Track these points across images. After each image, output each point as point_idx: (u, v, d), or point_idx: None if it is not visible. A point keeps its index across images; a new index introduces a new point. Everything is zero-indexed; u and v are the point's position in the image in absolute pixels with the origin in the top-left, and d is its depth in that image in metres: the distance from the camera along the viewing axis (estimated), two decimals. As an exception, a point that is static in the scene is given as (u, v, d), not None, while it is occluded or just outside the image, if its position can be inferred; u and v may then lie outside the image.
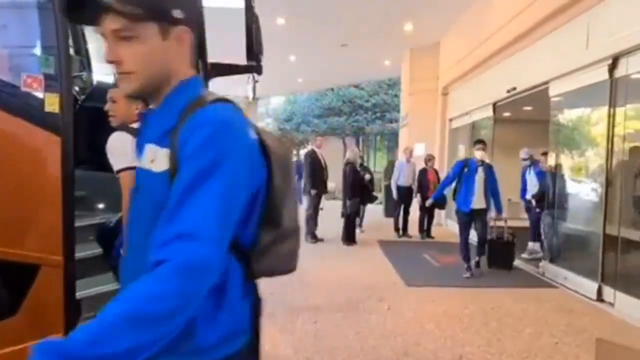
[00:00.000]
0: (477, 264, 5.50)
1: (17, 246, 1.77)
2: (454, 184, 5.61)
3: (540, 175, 6.29)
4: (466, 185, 5.35)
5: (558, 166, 5.69)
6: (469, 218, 5.40)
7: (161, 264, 0.73)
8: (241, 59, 2.91)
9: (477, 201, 5.29)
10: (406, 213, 8.10)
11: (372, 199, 8.38)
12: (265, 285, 3.85)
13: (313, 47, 11.01)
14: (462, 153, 9.39)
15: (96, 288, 2.38)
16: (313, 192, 7.48)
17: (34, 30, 1.83)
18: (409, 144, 10.56)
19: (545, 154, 6.23)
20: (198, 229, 0.75)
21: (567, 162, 5.65)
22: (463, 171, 5.44)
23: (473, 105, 8.27)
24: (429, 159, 8.08)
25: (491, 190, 5.35)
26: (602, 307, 4.34)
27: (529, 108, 8.01)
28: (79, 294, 2.19)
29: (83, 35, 3.56)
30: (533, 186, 6.42)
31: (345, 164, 7.45)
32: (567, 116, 5.64)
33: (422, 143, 9.97)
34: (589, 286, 4.61)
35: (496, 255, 5.69)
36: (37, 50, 1.84)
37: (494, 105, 7.35)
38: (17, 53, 1.82)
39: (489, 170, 5.37)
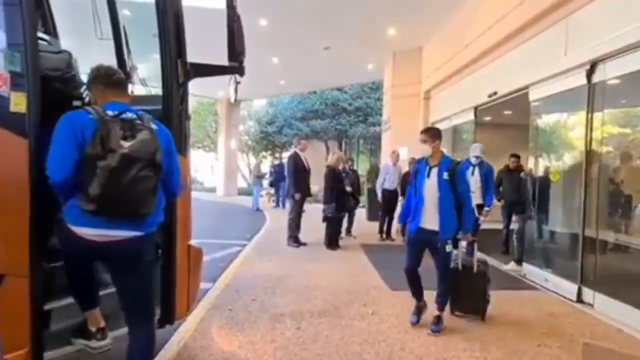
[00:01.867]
0: (440, 307, 3.75)
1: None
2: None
3: (489, 176, 5.89)
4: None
5: (533, 170, 5.79)
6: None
7: None
8: (223, 60, 2.85)
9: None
10: (391, 217, 8.10)
11: (354, 204, 8.17)
12: (247, 291, 3.77)
13: (296, 49, 10.98)
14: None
15: (65, 299, 2.24)
16: (297, 195, 7.40)
17: (-1, 25, 1.71)
18: (391, 147, 10.62)
19: (514, 155, 6.39)
20: None
21: (545, 165, 5.74)
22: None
23: (455, 109, 8.36)
24: (413, 162, 8.12)
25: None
26: (582, 309, 4.40)
27: (509, 112, 8.13)
28: (48, 306, 2.08)
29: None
30: (476, 187, 5.63)
31: (326, 167, 7.41)
32: (546, 120, 5.74)
33: (405, 147, 10.01)
34: (569, 288, 4.68)
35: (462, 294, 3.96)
36: (1, 46, 1.72)
37: (476, 109, 7.44)
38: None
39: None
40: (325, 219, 7.31)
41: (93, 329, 2.26)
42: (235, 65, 2.82)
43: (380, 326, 3.79)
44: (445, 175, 3.52)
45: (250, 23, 8.34)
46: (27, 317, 1.81)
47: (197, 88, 14.34)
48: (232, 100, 3.16)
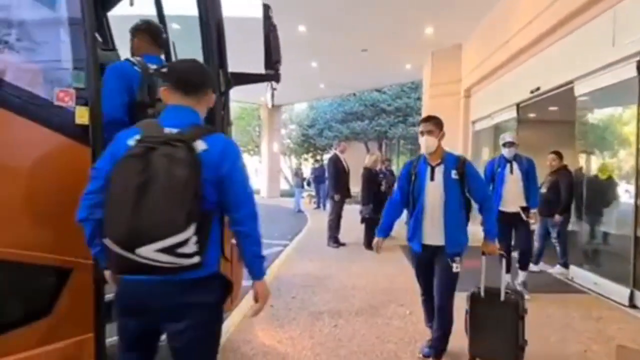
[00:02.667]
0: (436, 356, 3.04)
1: (51, 251, 1.88)
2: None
3: (530, 171, 4.67)
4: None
5: (583, 168, 5.53)
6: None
7: None
8: (253, 65, 3.03)
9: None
10: None
11: None
12: (288, 289, 3.95)
13: (334, 53, 11.11)
14: (486, 156, 9.23)
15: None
16: (336, 197, 7.50)
17: (65, 45, 1.95)
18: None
19: (555, 152, 5.73)
20: None
21: (594, 163, 5.48)
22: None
23: (496, 107, 8.14)
24: None
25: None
26: (634, 313, 4.18)
27: (554, 108, 7.81)
28: (108, 297, 2.31)
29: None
30: (516, 188, 4.61)
31: (363, 168, 7.45)
32: (594, 116, 5.48)
33: (445, 147, 9.85)
34: (620, 291, 4.45)
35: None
36: (68, 65, 1.95)
37: (518, 106, 7.21)
38: (49, 67, 1.93)
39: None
40: (363, 220, 7.34)
41: None
42: (271, 72, 2.99)
43: (417, 326, 3.81)
44: (454, 174, 2.82)
45: (290, 30, 8.73)
46: (91, 307, 2.03)
47: (241, 94, 14.85)
48: (269, 105, 3.32)
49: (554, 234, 5.74)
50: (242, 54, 4.32)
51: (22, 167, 1.81)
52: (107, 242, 1.42)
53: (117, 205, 1.40)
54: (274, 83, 3.04)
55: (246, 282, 4.28)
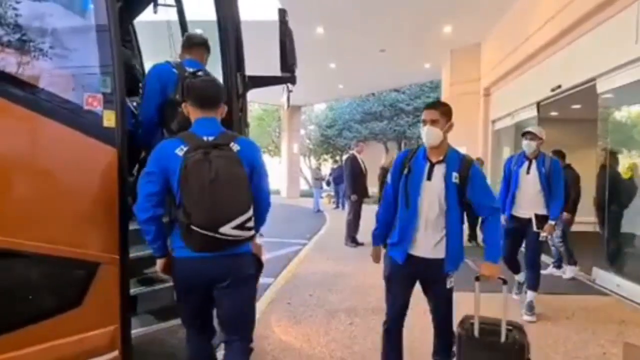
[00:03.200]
0: None
1: (81, 246, 2.01)
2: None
3: (556, 175, 3.99)
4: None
5: (606, 166, 5.41)
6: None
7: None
8: (267, 66, 3.12)
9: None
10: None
11: None
12: (305, 287, 4.03)
13: (352, 54, 11.15)
14: (506, 155, 9.11)
15: (149, 287, 2.62)
16: (353, 197, 7.56)
17: (93, 52, 2.08)
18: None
19: (555, 151, 5.20)
20: None
21: (618, 162, 5.36)
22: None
23: (516, 105, 8.02)
24: (480, 163, 7.88)
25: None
26: (658, 317, 4.09)
27: (577, 106, 7.64)
28: (133, 291, 2.44)
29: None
30: (534, 192, 3.99)
31: (380, 168, 7.47)
32: (617, 113, 5.36)
33: (464, 146, 9.76)
34: (644, 294, 4.36)
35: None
36: (96, 71, 2.08)
37: (538, 104, 7.10)
38: (78, 74, 2.07)
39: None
40: None
41: None
42: (287, 75, 3.08)
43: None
44: (455, 177, 2.30)
45: (308, 32, 8.84)
46: (117, 299, 2.16)
47: (261, 95, 15.03)
48: (285, 107, 3.41)
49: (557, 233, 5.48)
50: (257, 56, 4.45)
51: (55, 168, 1.95)
52: (194, 228, 1.83)
53: (200, 198, 1.81)
54: (289, 85, 3.12)
55: (262, 279, 4.39)
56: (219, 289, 2.03)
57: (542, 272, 5.28)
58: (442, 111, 2.37)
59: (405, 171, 2.38)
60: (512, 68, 7.95)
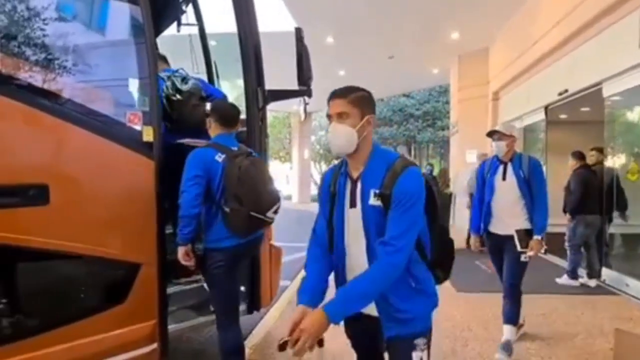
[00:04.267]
0: None
1: (125, 248, 2.24)
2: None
3: (536, 178, 3.35)
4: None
5: (612, 169, 5.50)
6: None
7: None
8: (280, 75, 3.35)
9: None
10: None
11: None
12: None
13: (361, 60, 11.36)
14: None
15: (180, 287, 2.85)
16: None
17: (133, 74, 2.32)
18: (461, 151, 10.50)
19: (573, 153, 5.50)
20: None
21: (624, 164, 5.46)
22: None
23: (525, 109, 8.14)
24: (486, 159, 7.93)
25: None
26: (667, 315, 4.18)
27: (585, 109, 7.73)
28: (169, 290, 2.67)
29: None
30: (512, 200, 3.32)
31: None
32: (623, 116, 5.47)
33: (474, 150, 9.87)
34: (653, 292, 4.45)
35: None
36: (136, 91, 2.32)
37: (546, 108, 7.21)
38: (121, 93, 2.32)
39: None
40: None
41: None
42: (304, 88, 3.29)
43: (444, 324, 3.97)
44: (373, 199, 1.50)
45: (318, 41, 9.08)
46: (156, 296, 2.38)
47: (272, 104, 15.28)
48: (302, 118, 3.62)
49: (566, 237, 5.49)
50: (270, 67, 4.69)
51: (104, 180, 2.19)
52: (253, 214, 2.38)
53: (255, 190, 2.40)
54: (306, 98, 3.34)
55: (283, 282, 4.59)
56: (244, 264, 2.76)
57: (557, 280, 5.37)
58: (353, 100, 1.58)
59: (333, 199, 1.63)
60: (520, 72, 8.07)
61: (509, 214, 3.28)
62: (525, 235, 3.20)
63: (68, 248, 2.00)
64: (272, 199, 2.50)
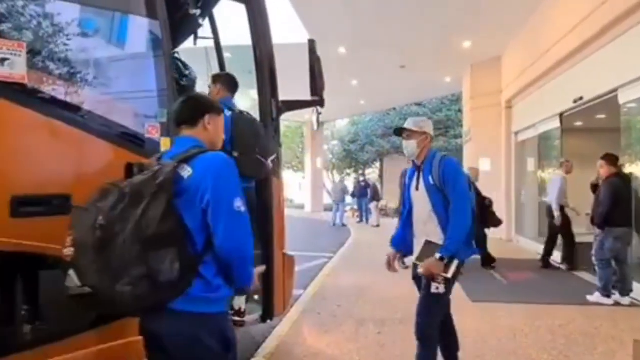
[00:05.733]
0: None
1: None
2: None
3: (449, 181, 2.78)
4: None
5: (630, 177, 5.35)
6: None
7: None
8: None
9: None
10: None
11: (497, 223, 6.92)
12: (333, 298, 4.28)
13: (373, 70, 11.45)
14: (530, 167, 9.12)
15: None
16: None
17: (152, 88, 2.40)
18: (474, 159, 10.44)
19: (604, 157, 5.02)
20: None
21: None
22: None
23: (539, 117, 8.08)
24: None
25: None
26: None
27: (602, 117, 7.64)
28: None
29: None
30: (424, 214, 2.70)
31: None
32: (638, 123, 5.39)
33: (487, 158, 9.82)
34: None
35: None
36: (155, 103, 2.40)
37: (561, 115, 7.15)
38: (141, 106, 2.39)
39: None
40: None
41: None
42: (317, 99, 3.35)
43: (460, 336, 3.92)
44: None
45: (331, 52, 9.18)
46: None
47: (285, 114, 15.52)
48: (315, 127, 3.70)
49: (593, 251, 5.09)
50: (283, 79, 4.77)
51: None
52: None
53: None
54: (319, 108, 3.39)
55: (296, 291, 4.61)
56: None
57: (589, 297, 4.93)
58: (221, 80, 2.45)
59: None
60: (533, 80, 8.03)
61: (422, 232, 2.61)
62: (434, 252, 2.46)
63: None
64: None
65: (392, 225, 9.22)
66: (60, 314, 1.98)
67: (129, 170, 1.58)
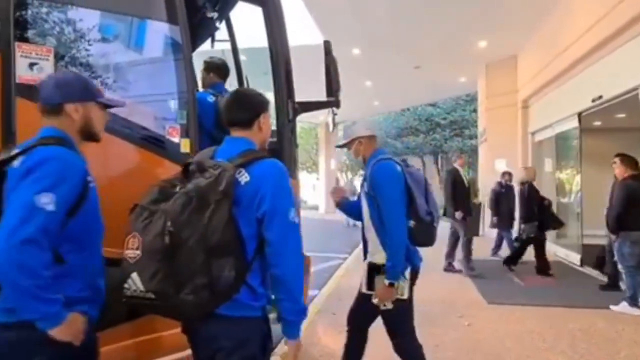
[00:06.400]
0: None
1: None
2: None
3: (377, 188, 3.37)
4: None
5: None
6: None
7: None
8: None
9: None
10: None
11: (558, 224, 6.85)
12: (348, 299, 4.22)
13: (387, 71, 11.42)
14: (548, 167, 8.97)
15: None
16: (458, 214, 6.37)
17: (171, 90, 2.45)
18: (489, 160, 10.33)
19: (619, 155, 4.81)
20: None
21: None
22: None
23: (557, 116, 7.95)
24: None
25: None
26: None
27: (622, 116, 7.48)
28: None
29: None
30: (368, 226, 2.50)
31: (521, 183, 6.69)
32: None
33: (503, 159, 9.70)
34: (700, 307, 4.21)
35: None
36: (175, 106, 2.45)
37: (579, 115, 7.02)
38: (162, 108, 2.44)
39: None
40: (525, 239, 6.54)
41: None
42: (332, 99, 3.36)
43: (476, 337, 3.90)
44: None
45: (345, 53, 9.19)
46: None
47: (299, 116, 15.64)
48: (331, 129, 3.68)
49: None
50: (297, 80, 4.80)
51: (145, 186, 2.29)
52: None
53: None
54: (334, 109, 3.40)
55: (312, 291, 4.63)
56: None
57: (613, 308, 4.65)
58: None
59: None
60: (550, 79, 7.91)
61: (368, 238, 2.49)
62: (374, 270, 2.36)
63: (108, 254, 2.11)
64: None
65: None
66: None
67: (186, 168, 1.55)
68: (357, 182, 19.33)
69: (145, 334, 2.26)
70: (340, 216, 17.41)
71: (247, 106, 1.63)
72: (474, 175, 14.55)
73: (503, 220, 7.41)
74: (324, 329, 4.14)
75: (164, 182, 1.51)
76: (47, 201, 1.28)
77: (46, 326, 1.29)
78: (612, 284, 5.29)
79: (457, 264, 6.70)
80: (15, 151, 1.40)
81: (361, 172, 24.90)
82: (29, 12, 1.95)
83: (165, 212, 1.36)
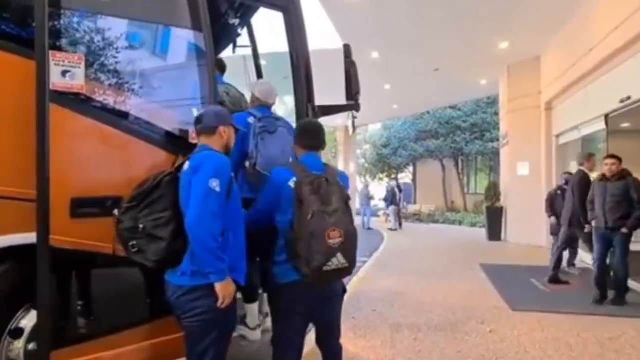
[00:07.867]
0: None
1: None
2: None
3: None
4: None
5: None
6: None
7: None
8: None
9: None
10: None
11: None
12: (368, 303, 4.27)
13: (406, 74, 11.36)
14: (573, 170, 8.73)
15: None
16: (588, 228, 5.48)
17: (195, 94, 2.52)
18: (511, 163, 10.13)
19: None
20: None
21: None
22: None
23: (582, 118, 7.73)
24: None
25: None
26: None
27: (654, 117, 7.22)
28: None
29: None
30: None
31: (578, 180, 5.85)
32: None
33: (526, 162, 9.50)
34: None
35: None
36: (197, 109, 2.51)
37: (607, 117, 6.82)
38: (185, 112, 2.51)
39: None
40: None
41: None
42: (352, 103, 3.37)
43: (498, 344, 3.82)
44: None
45: (364, 57, 9.22)
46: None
47: (320, 119, 15.73)
48: (351, 132, 3.72)
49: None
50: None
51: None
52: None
53: None
54: (354, 112, 3.41)
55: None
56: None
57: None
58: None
59: None
60: (575, 80, 7.72)
61: None
62: None
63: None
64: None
65: (419, 229, 9.06)
66: (112, 309, 2.10)
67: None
68: (375, 186, 19.27)
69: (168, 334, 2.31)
70: (359, 220, 17.33)
71: (321, 134, 2.37)
72: (495, 179, 14.29)
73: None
74: (344, 332, 4.09)
75: (318, 178, 2.09)
76: (215, 185, 1.81)
77: (217, 279, 1.82)
78: None
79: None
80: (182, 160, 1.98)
81: (380, 175, 24.86)
82: (62, 21, 2.03)
83: (343, 210, 2.04)
